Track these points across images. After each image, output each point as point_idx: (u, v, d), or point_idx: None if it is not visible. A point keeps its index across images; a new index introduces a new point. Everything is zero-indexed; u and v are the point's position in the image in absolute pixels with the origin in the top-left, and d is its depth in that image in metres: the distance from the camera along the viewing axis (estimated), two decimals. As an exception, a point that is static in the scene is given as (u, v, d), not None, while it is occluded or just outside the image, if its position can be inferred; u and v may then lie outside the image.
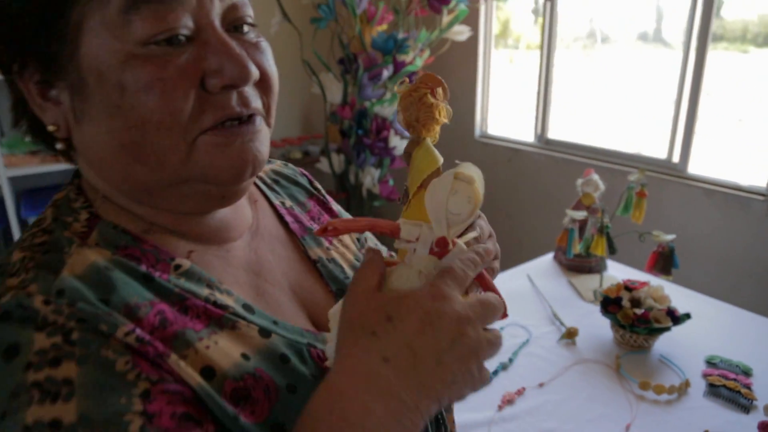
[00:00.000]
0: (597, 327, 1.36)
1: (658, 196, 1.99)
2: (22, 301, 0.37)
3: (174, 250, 0.46)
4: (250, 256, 0.52)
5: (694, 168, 1.98)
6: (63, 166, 2.07)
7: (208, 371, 0.40)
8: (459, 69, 2.70)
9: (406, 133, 0.47)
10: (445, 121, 0.45)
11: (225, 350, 0.42)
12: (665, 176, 1.99)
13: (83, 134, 0.44)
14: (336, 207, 0.70)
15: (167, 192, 0.44)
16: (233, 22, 0.44)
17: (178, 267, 0.45)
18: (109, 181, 0.45)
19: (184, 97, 0.40)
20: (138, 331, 0.38)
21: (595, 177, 1.63)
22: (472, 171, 0.42)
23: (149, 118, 0.40)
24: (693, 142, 1.96)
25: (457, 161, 0.44)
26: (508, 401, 1.11)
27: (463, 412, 1.09)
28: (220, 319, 0.44)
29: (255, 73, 0.42)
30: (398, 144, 2.48)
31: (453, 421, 0.63)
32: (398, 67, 2.28)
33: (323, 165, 2.66)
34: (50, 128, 0.44)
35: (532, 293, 1.57)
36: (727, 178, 1.91)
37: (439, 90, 0.45)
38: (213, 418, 0.39)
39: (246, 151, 0.44)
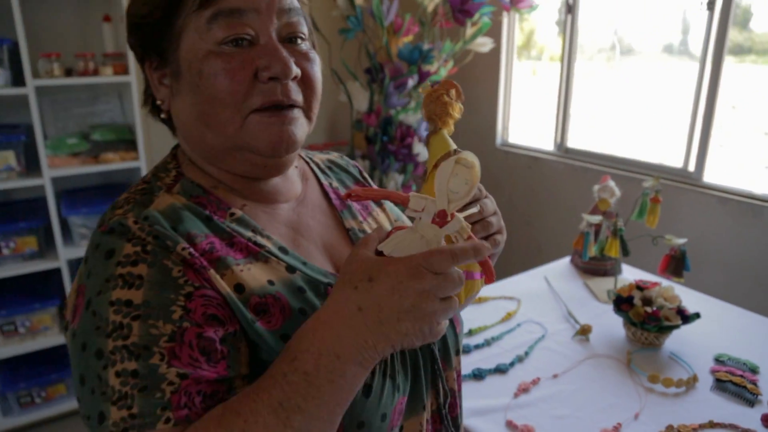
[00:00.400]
0: (610, 325, 1.43)
1: (674, 203, 2.05)
2: (122, 221, 0.54)
3: (232, 202, 0.61)
4: (292, 216, 0.66)
5: (710, 177, 2.03)
6: (100, 168, 2.20)
7: (239, 287, 0.55)
8: (482, 79, 2.79)
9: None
10: (458, 116, 0.57)
11: (255, 275, 0.56)
12: (681, 184, 2.05)
13: (176, 107, 0.61)
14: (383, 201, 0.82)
15: (226, 156, 0.60)
16: (288, 36, 0.58)
17: (232, 214, 0.60)
18: (190, 143, 0.62)
19: (241, 82, 0.55)
20: (191, 249, 0.53)
21: (611, 183, 1.70)
22: (471, 158, 0.51)
23: (216, 96, 0.55)
24: (708, 152, 2.01)
25: (457, 149, 0.54)
26: (523, 390, 1.19)
27: (481, 398, 1.17)
28: (257, 254, 0.58)
29: (294, 71, 0.56)
30: (422, 151, 2.57)
31: (454, 379, 0.71)
32: (423, 76, 2.38)
33: (349, 170, 2.76)
34: (158, 102, 0.62)
35: (548, 293, 1.65)
36: (741, 186, 1.95)
37: (453, 91, 0.57)
38: (236, 321, 0.53)
39: (283, 132, 0.57)
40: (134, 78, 2.17)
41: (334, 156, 0.82)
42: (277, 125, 0.57)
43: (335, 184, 0.75)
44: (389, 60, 2.47)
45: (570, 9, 2.39)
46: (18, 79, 2.01)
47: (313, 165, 0.75)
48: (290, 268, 0.59)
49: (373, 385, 0.56)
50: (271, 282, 0.57)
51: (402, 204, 0.53)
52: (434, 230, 0.50)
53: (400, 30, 2.41)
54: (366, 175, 0.83)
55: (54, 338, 2.23)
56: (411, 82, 2.38)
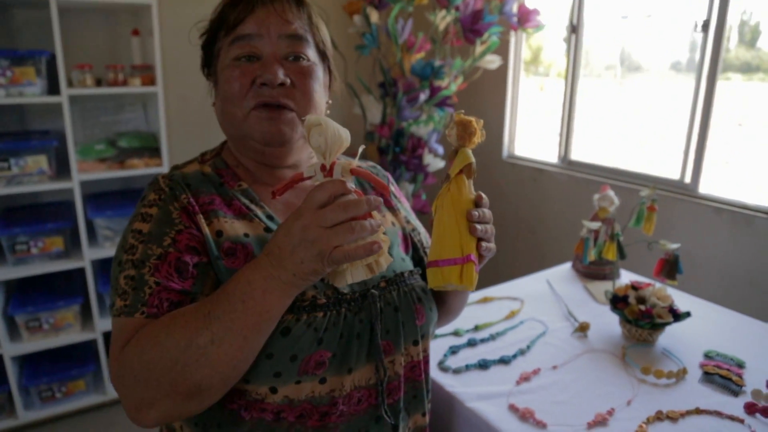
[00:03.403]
0: (607, 324, 1.52)
1: (671, 213, 2.14)
2: (157, 178, 0.78)
3: (245, 178, 0.81)
4: (295, 201, 0.82)
5: (706, 188, 2.13)
6: (125, 173, 2.32)
7: (219, 233, 0.73)
8: (490, 94, 2.91)
9: (440, 151, 0.81)
10: (480, 140, 0.74)
11: (235, 227, 0.74)
12: (678, 195, 2.14)
13: (217, 106, 0.82)
14: (401, 206, 0.96)
15: (239, 142, 0.80)
16: (289, 55, 0.77)
17: (240, 185, 0.80)
18: (223, 130, 0.82)
19: (243, 86, 0.75)
20: (191, 199, 0.74)
21: (611, 193, 1.80)
22: (315, 118, 0.64)
23: (228, 96, 0.76)
24: (703, 165, 2.11)
25: (304, 118, 0.68)
26: (524, 378, 1.28)
27: (485, 384, 1.26)
28: (245, 215, 0.76)
29: (280, 79, 0.74)
30: (431, 162, 2.68)
31: (401, 364, 0.81)
32: (434, 91, 2.50)
33: (360, 179, 2.87)
34: (212, 104, 0.84)
35: (550, 295, 1.74)
36: (735, 197, 2.05)
37: (480, 122, 0.74)
38: (208, 255, 0.72)
39: (273, 127, 0.75)
40: (160, 89, 2.31)
41: (366, 164, 0.97)
42: (269, 121, 0.74)
43: (353, 186, 0.88)
44: (402, 75, 2.59)
45: (574, 29, 2.51)
46: (53, 88, 2.15)
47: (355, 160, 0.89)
48: (267, 230, 0.76)
49: (293, 329, 0.69)
50: (246, 235, 0.74)
51: (301, 177, 0.67)
52: (329, 180, 0.64)
53: (413, 47, 2.53)
54: (395, 187, 0.97)
55: (76, 335, 2.33)
56: (423, 97, 2.49)
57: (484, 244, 0.74)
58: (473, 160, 0.74)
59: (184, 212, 0.73)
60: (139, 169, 2.35)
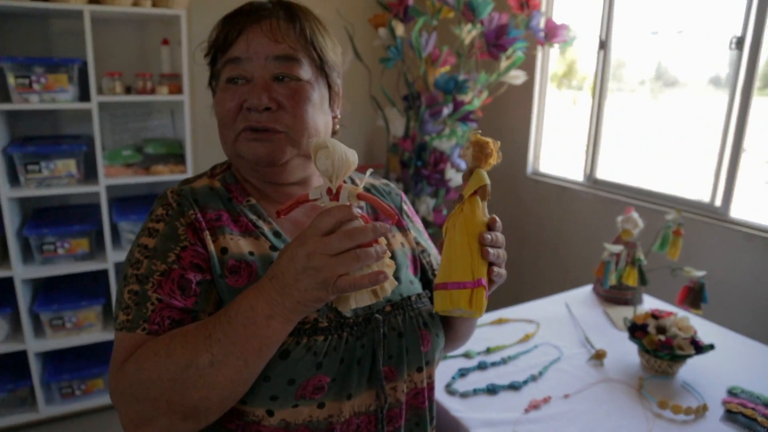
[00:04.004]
0: (626, 352, 1.47)
1: (699, 237, 2.06)
2: (166, 192, 0.76)
3: (253, 194, 0.80)
4: (303, 219, 0.81)
5: (737, 212, 2.04)
6: (150, 178, 2.36)
7: (224, 250, 0.72)
8: (515, 109, 2.87)
9: (463, 166, 0.76)
10: (496, 162, 0.72)
11: (240, 245, 0.73)
12: (707, 219, 2.06)
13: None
14: (412, 226, 0.93)
15: (237, 161, 0.79)
16: (279, 76, 0.75)
17: (248, 201, 0.79)
18: (222, 149, 0.81)
19: (231, 110, 0.75)
20: (198, 215, 0.73)
21: (635, 215, 1.74)
22: (322, 140, 0.63)
23: (221, 117, 0.77)
24: (735, 187, 2.02)
25: (311, 140, 0.69)
26: (534, 406, 1.24)
27: (492, 411, 1.22)
28: (252, 232, 0.75)
29: (264, 104, 0.72)
30: (453, 177, 2.65)
31: (404, 391, 0.78)
32: (457, 106, 2.48)
33: (382, 191, 2.86)
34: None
35: (568, 319, 1.69)
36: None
37: (497, 143, 0.71)
38: (212, 273, 0.71)
39: (260, 148, 0.74)
40: (187, 97, 2.35)
41: (380, 182, 0.94)
42: (256, 142, 0.74)
43: (360, 211, 0.86)
44: (426, 89, 2.58)
45: (602, 44, 2.45)
46: (84, 95, 2.21)
47: (361, 183, 0.86)
48: (273, 248, 0.75)
49: (292, 352, 0.68)
50: (251, 253, 0.73)
51: (306, 198, 0.66)
52: (334, 204, 0.63)
53: (438, 60, 2.52)
54: (407, 206, 0.94)
55: (97, 335, 2.38)
56: (446, 111, 2.47)
57: (495, 269, 0.71)
58: (488, 181, 0.71)
59: (190, 228, 0.72)
60: (164, 175, 2.40)
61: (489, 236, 0.70)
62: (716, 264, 2.01)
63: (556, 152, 2.88)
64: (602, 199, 2.46)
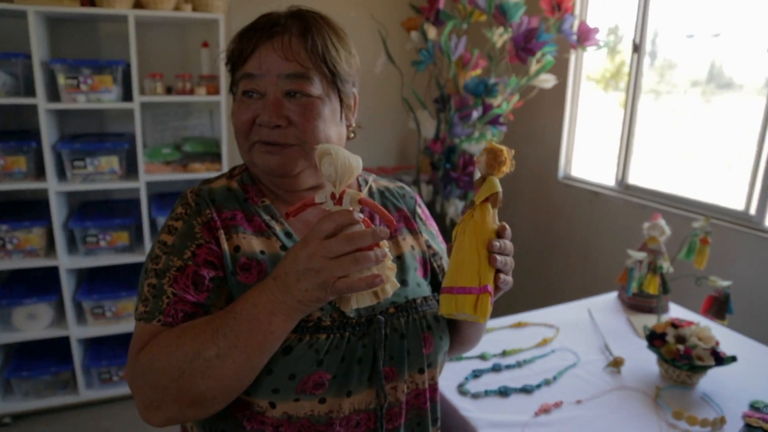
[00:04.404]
0: (645, 361, 1.44)
1: (731, 246, 1.99)
2: (187, 192, 0.81)
3: (268, 195, 0.84)
4: (313, 221, 0.81)
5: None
6: (187, 176, 2.46)
7: (237, 248, 0.76)
8: (547, 113, 2.84)
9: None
10: (509, 170, 0.73)
11: (253, 244, 0.77)
12: (740, 227, 1.99)
13: None
14: (425, 229, 0.94)
15: (252, 166, 0.83)
16: (288, 91, 0.78)
17: (263, 202, 0.83)
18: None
19: (245, 123, 0.79)
20: (214, 215, 0.77)
21: (662, 222, 1.71)
22: (325, 147, 0.67)
23: (237, 128, 0.80)
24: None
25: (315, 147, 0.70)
26: (544, 410, 1.24)
27: (502, 412, 1.23)
28: (264, 231, 0.80)
29: (274, 122, 0.76)
30: (482, 179, 2.65)
31: (404, 392, 0.79)
32: (487, 109, 2.47)
33: (411, 193, 2.88)
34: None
35: (589, 325, 1.67)
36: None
37: (512, 152, 0.73)
38: (224, 270, 0.75)
39: (271, 160, 0.78)
40: (224, 98, 2.43)
41: (395, 185, 0.96)
42: (267, 155, 0.78)
43: (361, 216, 0.88)
44: (456, 92, 2.58)
45: (636, 48, 2.40)
46: (127, 95, 2.32)
47: (365, 188, 0.88)
48: (283, 248, 0.79)
49: (294, 348, 0.72)
50: (262, 252, 0.77)
51: (312, 203, 0.69)
52: (338, 209, 0.66)
53: (469, 64, 2.52)
54: (421, 209, 0.95)
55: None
56: (475, 114, 2.48)
57: (502, 276, 0.73)
58: (500, 189, 0.73)
59: (206, 227, 0.76)
60: (201, 173, 2.49)
61: (497, 243, 0.72)
62: (748, 273, 1.94)
63: (593, 156, 2.83)
64: (633, 205, 2.42)
